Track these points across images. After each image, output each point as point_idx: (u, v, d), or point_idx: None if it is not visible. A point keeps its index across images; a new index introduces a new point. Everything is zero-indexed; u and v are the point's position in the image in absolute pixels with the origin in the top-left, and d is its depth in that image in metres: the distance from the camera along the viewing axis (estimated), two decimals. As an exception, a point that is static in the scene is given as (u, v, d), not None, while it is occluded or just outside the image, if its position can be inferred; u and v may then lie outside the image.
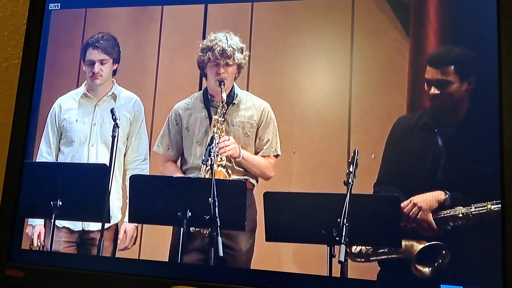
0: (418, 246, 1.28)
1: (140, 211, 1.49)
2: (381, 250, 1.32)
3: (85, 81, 1.63)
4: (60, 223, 1.56)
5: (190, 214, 1.43)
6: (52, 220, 1.52)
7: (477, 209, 1.25)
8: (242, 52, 1.51)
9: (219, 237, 1.40)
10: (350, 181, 1.34)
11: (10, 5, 1.80)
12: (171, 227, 1.47)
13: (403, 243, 1.29)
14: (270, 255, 1.38)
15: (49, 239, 1.52)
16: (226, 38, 1.52)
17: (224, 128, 1.50)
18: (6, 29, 1.79)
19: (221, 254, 1.39)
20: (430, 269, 1.27)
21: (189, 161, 1.54)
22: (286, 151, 1.44)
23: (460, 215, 1.26)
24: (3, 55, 1.77)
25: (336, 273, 1.31)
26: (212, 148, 1.47)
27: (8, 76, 1.75)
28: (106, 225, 1.53)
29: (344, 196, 1.33)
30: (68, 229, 1.57)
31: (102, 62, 1.62)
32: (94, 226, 1.55)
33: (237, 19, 1.52)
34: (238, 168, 1.49)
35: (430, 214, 1.29)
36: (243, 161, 1.49)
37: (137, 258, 1.47)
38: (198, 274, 1.40)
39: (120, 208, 1.54)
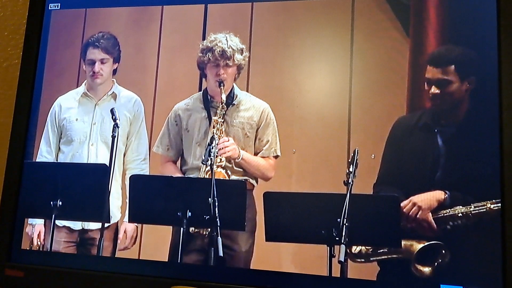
0: (418, 246, 1.28)
1: (140, 211, 1.49)
2: (381, 250, 1.32)
3: (85, 81, 1.63)
4: (60, 222, 1.56)
5: (190, 214, 1.43)
6: (52, 220, 1.52)
7: (476, 208, 1.25)
8: (242, 53, 1.51)
9: (219, 237, 1.40)
10: (350, 181, 1.34)
11: (10, 5, 1.80)
12: (171, 227, 1.47)
13: (403, 242, 1.29)
14: (270, 255, 1.38)
15: (49, 238, 1.52)
16: (226, 39, 1.52)
17: (223, 129, 1.50)
18: (6, 29, 1.79)
19: (221, 254, 1.39)
20: (430, 269, 1.27)
21: (188, 161, 1.54)
22: (286, 151, 1.44)
23: (460, 214, 1.27)
24: (3, 55, 1.77)
25: (336, 273, 1.31)
26: (212, 148, 1.47)
27: (8, 76, 1.75)
28: (106, 225, 1.53)
29: (344, 196, 1.33)
30: (68, 228, 1.57)
31: (102, 61, 1.62)
32: (94, 224, 1.55)
33: (237, 19, 1.52)
34: (237, 169, 1.49)
35: (430, 213, 1.29)
36: (243, 162, 1.49)
37: (137, 258, 1.47)
38: (198, 274, 1.40)
39: (119, 207, 1.54)
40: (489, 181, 1.25)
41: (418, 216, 1.29)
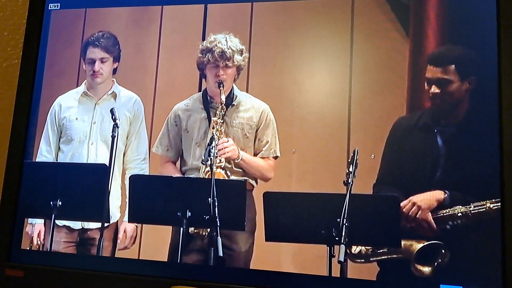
0: (418, 246, 1.28)
1: (140, 211, 1.49)
2: (381, 250, 1.32)
3: (85, 80, 1.63)
4: (60, 221, 1.56)
5: (189, 214, 1.43)
6: (52, 220, 1.52)
7: (476, 208, 1.25)
8: (241, 54, 1.51)
9: (219, 237, 1.40)
10: (349, 181, 1.34)
11: (10, 5, 1.80)
12: (171, 227, 1.47)
13: (403, 242, 1.29)
14: (269, 255, 1.38)
15: (49, 238, 1.52)
16: (225, 40, 1.52)
17: (223, 130, 1.50)
18: (6, 29, 1.79)
19: (220, 254, 1.39)
20: (429, 269, 1.27)
21: (188, 162, 1.54)
22: (286, 151, 1.44)
23: (460, 214, 1.27)
24: (2, 55, 1.77)
25: (336, 273, 1.31)
26: (212, 148, 1.46)
27: (8, 76, 1.75)
28: (106, 224, 1.53)
29: (344, 196, 1.33)
30: (68, 227, 1.57)
31: (102, 60, 1.62)
32: (94, 224, 1.55)
33: (237, 19, 1.52)
34: (237, 170, 1.49)
35: (430, 213, 1.29)
36: (242, 162, 1.49)
37: (137, 258, 1.47)
38: (198, 274, 1.40)
39: (118, 207, 1.54)
40: (488, 180, 1.25)
41: (417, 216, 1.29)
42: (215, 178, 1.45)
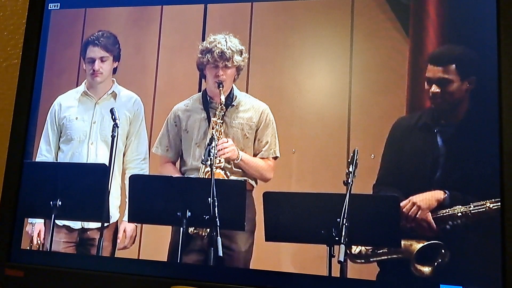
0: (418, 246, 1.28)
1: (140, 211, 1.48)
2: (381, 251, 1.32)
3: (85, 80, 1.63)
4: (59, 221, 1.55)
5: (189, 214, 1.43)
6: (52, 220, 1.52)
7: (476, 208, 1.25)
8: (241, 55, 1.51)
9: (219, 237, 1.40)
10: (349, 181, 1.34)
11: (9, 5, 1.80)
12: (171, 227, 1.47)
13: (403, 242, 1.29)
14: (269, 255, 1.38)
15: (49, 238, 1.52)
16: (225, 40, 1.52)
17: (223, 130, 1.50)
18: (6, 29, 1.79)
19: (220, 254, 1.39)
20: (429, 268, 1.27)
21: (188, 162, 1.54)
22: (286, 151, 1.44)
23: (459, 214, 1.27)
24: (2, 55, 1.77)
25: (336, 273, 1.31)
26: (212, 148, 1.46)
27: (8, 76, 1.75)
28: (105, 224, 1.52)
29: (344, 196, 1.33)
30: (68, 227, 1.57)
31: (102, 60, 1.62)
32: (94, 224, 1.56)
33: (236, 19, 1.52)
34: (236, 170, 1.49)
35: (429, 213, 1.29)
36: (242, 163, 1.49)
37: (137, 258, 1.47)
38: (198, 274, 1.40)
39: (118, 207, 1.54)
40: (488, 180, 1.25)
41: (417, 216, 1.29)
42: (215, 178, 1.45)
